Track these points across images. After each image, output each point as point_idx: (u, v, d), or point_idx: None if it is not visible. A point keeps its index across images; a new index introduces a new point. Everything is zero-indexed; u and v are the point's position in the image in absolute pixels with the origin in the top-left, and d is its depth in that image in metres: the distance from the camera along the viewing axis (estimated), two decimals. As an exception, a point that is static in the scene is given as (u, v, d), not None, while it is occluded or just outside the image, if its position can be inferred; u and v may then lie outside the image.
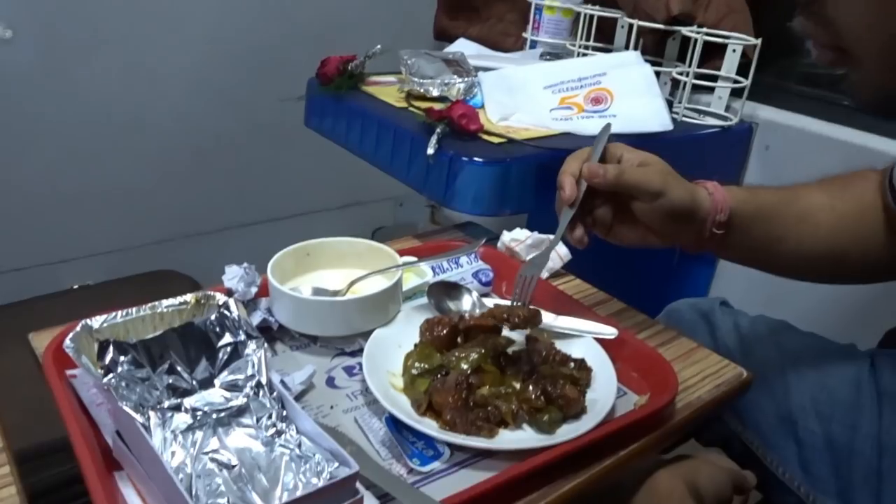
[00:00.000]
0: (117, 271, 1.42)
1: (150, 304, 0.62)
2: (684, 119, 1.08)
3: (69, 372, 0.60)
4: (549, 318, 0.68)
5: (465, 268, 0.78)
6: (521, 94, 1.00)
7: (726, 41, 1.05)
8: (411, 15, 1.55)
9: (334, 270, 0.74)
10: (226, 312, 0.57)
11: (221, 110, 1.48)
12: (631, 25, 1.12)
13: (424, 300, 0.71)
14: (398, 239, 0.87)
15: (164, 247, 1.55)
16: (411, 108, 0.96)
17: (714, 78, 1.09)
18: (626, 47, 1.16)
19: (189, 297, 0.64)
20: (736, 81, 1.07)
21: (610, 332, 0.66)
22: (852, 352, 0.76)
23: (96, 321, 0.60)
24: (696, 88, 1.08)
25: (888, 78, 0.43)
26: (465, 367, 0.60)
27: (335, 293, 0.69)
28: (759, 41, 1.03)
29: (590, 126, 0.94)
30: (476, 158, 0.83)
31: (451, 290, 0.72)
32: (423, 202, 1.86)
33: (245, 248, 0.83)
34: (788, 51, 1.19)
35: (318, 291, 0.69)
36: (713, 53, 1.08)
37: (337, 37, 1.46)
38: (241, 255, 0.72)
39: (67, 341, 0.57)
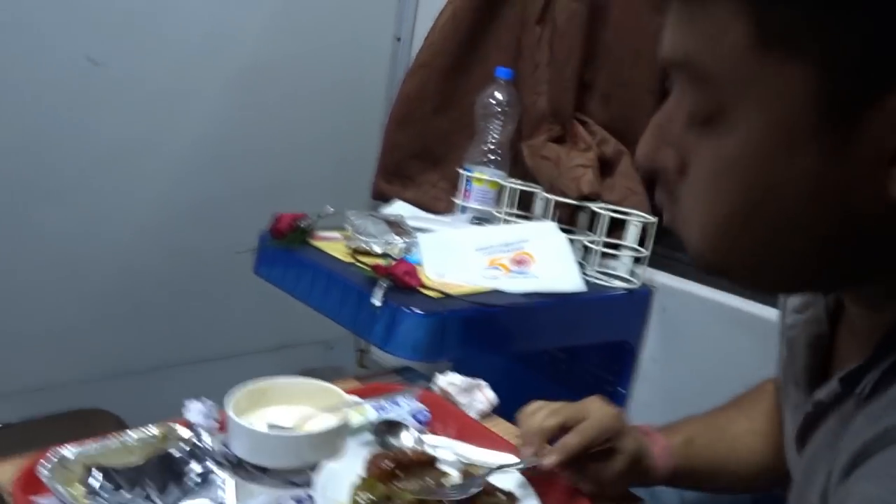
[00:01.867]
0: (42, 409, 1.40)
1: (118, 436, 0.68)
2: (595, 281, 1.23)
3: (37, 499, 0.64)
4: (479, 454, 0.77)
5: (405, 408, 0.86)
6: (456, 254, 1.13)
7: (628, 218, 1.23)
8: (351, 177, 1.71)
9: (286, 407, 0.81)
10: (197, 443, 0.63)
11: (164, 258, 1.55)
12: (548, 199, 1.29)
13: (369, 436, 0.79)
14: (340, 380, 0.95)
15: (90, 385, 1.55)
16: (358, 263, 1.07)
17: (619, 247, 1.26)
18: (545, 216, 1.33)
19: (155, 429, 0.70)
20: (637, 251, 1.24)
21: (531, 463, 0.75)
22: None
23: (69, 451, 0.65)
24: (604, 255, 1.25)
25: (724, 248, 0.45)
26: (407, 497, 0.67)
27: (290, 429, 0.76)
28: (655, 219, 1.22)
29: (515, 285, 1.08)
30: (416, 310, 0.93)
31: (393, 428, 0.80)
32: (352, 346, 1.94)
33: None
34: (679, 227, 1.39)
35: (273, 427, 0.76)
36: (618, 226, 1.26)
37: (282, 194, 1.59)
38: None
39: (42, 469, 0.62)
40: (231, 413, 0.73)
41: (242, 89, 1.55)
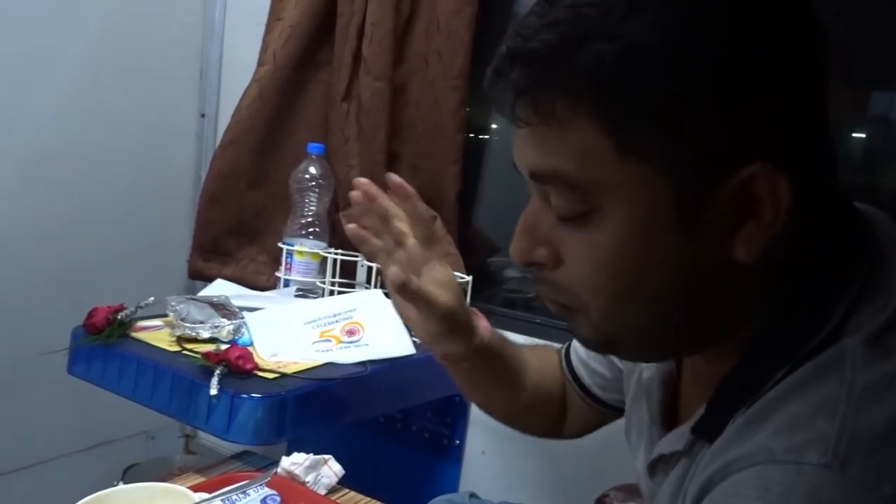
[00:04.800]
0: None
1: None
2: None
3: None
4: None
5: (253, 496, 0.86)
6: (286, 331, 1.14)
7: (446, 278, 1.32)
8: (164, 259, 1.65)
9: (129, 517, 0.77)
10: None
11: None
12: (370, 266, 1.35)
13: (221, 533, 0.78)
14: (183, 476, 0.93)
15: None
16: (186, 352, 1.05)
17: (440, 306, 1.34)
18: (368, 282, 1.38)
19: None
20: (457, 308, 1.33)
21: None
22: None
23: None
24: (427, 315, 1.32)
25: (609, 326, 0.51)
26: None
27: (134, 539, 0.73)
28: (470, 278, 1.32)
29: (348, 355, 1.11)
30: (254, 394, 0.94)
31: (244, 519, 0.80)
32: (176, 433, 1.84)
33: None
34: (492, 282, 1.51)
35: (115, 540, 0.73)
36: (437, 286, 1.34)
37: (91, 284, 1.50)
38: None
39: None
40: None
41: (37, 175, 1.45)
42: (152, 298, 1.10)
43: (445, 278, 0.73)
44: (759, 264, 0.47)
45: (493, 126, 1.51)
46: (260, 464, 1.00)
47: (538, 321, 1.35)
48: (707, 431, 0.51)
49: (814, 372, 0.45)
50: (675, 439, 0.56)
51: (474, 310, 0.79)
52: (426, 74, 1.40)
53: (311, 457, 0.95)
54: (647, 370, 0.65)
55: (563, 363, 0.86)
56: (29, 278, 1.46)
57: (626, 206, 0.47)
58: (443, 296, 0.70)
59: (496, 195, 1.51)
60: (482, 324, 0.77)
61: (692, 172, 0.46)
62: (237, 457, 1.04)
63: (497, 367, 0.80)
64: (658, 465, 0.59)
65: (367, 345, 1.14)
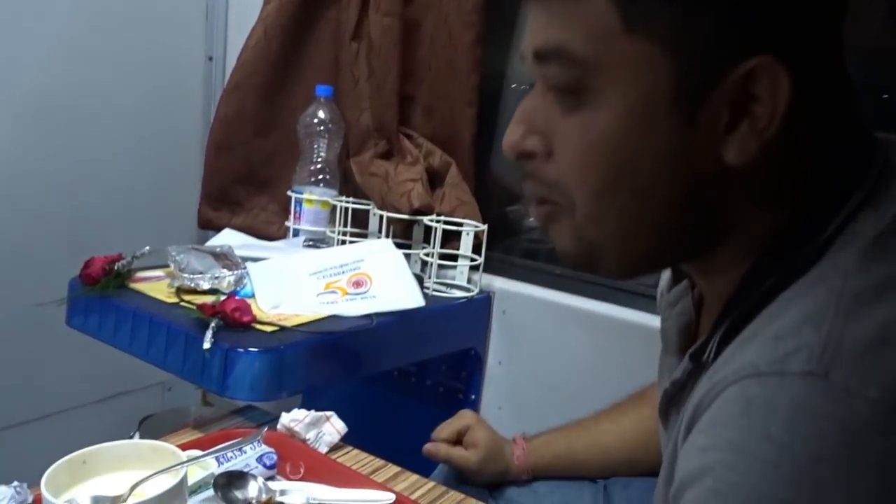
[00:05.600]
0: None
1: None
2: (434, 293, 1.24)
3: None
4: (330, 493, 0.74)
5: (249, 453, 0.82)
6: (290, 282, 1.09)
7: (460, 228, 1.25)
8: (173, 207, 1.61)
9: (115, 474, 0.73)
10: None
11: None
12: (381, 216, 1.29)
13: (211, 492, 0.74)
14: (178, 432, 0.89)
15: None
16: (183, 304, 1.00)
17: (455, 257, 1.28)
18: (380, 232, 1.32)
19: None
20: (473, 259, 1.26)
21: (386, 497, 0.74)
22: (590, 483, 0.92)
23: None
24: (441, 266, 1.26)
25: (592, 228, 0.50)
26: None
27: (116, 498, 0.69)
28: (485, 226, 1.25)
29: (354, 308, 1.06)
30: (251, 349, 0.89)
31: (235, 479, 0.75)
32: (192, 384, 1.83)
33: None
34: (510, 232, 1.44)
35: (97, 500, 0.69)
36: (452, 236, 1.28)
37: (97, 234, 1.46)
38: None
39: None
40: (46, 493, 0.65)
41: (40, 121, 1.41)
42: (147, 248, 1.06)
43: (474, 440, 0.93)
44: (754, 173, 0.46)
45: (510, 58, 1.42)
46: (262, 419, 0.96)
47: (558, 272, 1.28)
48: (703, 355, 0.49)
49: (807, 284, 0.44)
50: (678, 371, 0.54)
51: (517, 438, 0.94)
52: (440, 10, 1.31)
53: (313, 413, 0.91)
54: (665, 322, 0.61)
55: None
56: (33, 228, 1.43)
57: (625, 87, 0.46)
58: (472, 457, 0.92)
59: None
60: (517, 453, 0.92)
61: (696, 58, 0.45)
62: (239, 412, 1.00)
63: (564, 467, 0.92)
64: (670, 410, 0.56)
65: (374, 297, 1.09)
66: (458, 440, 0.95)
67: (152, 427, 1.47)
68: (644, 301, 1.16)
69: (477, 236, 1.27)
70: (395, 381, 1.41)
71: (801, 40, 0.46)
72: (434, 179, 1.35)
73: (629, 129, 0.47)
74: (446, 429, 0.96)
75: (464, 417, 0.95)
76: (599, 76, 0.46)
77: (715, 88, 0.45)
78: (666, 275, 0.64)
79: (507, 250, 1.41)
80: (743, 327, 0.46)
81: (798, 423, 0.38)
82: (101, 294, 1.04)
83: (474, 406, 1.33)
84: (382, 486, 0.78)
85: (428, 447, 0.94)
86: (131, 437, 1.22)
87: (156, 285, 1.09)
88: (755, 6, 0.44)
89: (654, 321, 1.14)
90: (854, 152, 0.48)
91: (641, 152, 0.47)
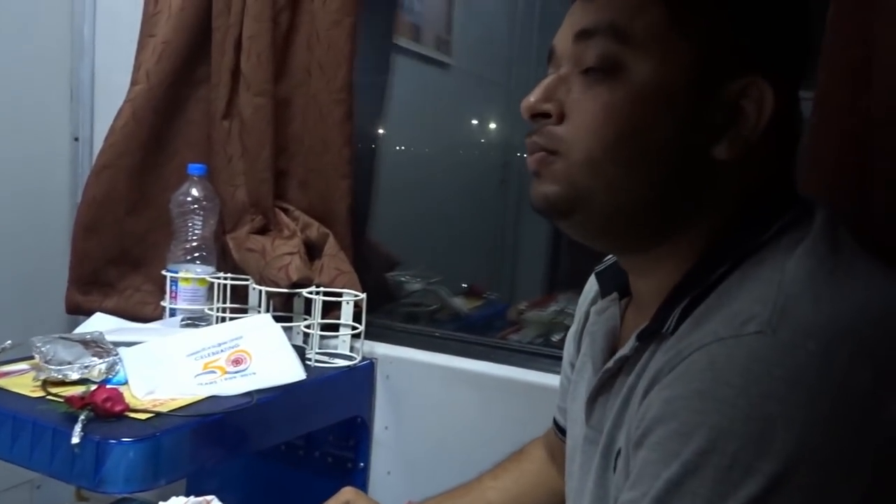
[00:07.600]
0: None
1: None
2: (317, 364, 1.24)
3: None
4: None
5: (124, 550, 0.79)
6: (166, 366, 1.07)
7: (340, 298, 1.28)
8: (39, 294, 1.53)
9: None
10: None
11: None
12: (261, 290, 1.29)
13: None
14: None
15: None
16: (49, 397, 0.96)
17: (337, 327, 1.30)
18: (259, 306, 1.32)
19: None
20: (354, 327, 1.29)
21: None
22: None
23: None
24: (323, 336, 1.28)
25: (584, 174, 0.56)
26: None
27: None
28: (364, 295, 1.28)
29: (234, 386, 1.05)
30: (124, 439, 0.87)
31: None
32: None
33: None
34: (390, 298, 1.47)
35: None
36: (333, 306, 1.30)
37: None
38: None
39: None
40: None
41: None
42: (9, 342, 1.01)
43: None
44: (729, 172, 0.56)
45: (381, 132, 1.48)
46: (140, 511, 0.93)
47: (438, 335, 1.32)
48: (657, 331, 0.56)
49: (753, 273, 0.52)
50: (625, 349, 0.60)
51: None
52: (309, 88, 1.35)
53: (192, 499, 0.89)
54: (593, 325, 0.68)
55: (554, 429, 0.90)
56: None
57: (651, 71, 0.55)
58: None
59: (391, 208, 1.48)
60: None
61: (712, 64, 0.55)
62: (121, 502, 0.96)
63: None
64: (598, 398, 0.63)
65: (254, 373, 1.09)
66: None
67: (21, 531, 1.37)
68: (523, 358, 1.23)
69: (357, 305, 1.29)
70: (283, 454, 1.39)
71: (786, 68, 0.57)
72: (313, 251, 1.37)
73: (645, 104, 0.55)
74: None
75: (344, 494, 0.95)
76: (633, 56, 0.55)
77: (718, 91, 0.55)
78: (590, 293, 0.75)
79: (389, 315, 1.44)
80: (697, 305, 0.54)
81: (752, 370, 0.46)
82: (-42, 394, 0.98)
83: (364, 473, 1.33)
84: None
85: None
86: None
87: (19, 379, 1.04)
88: (767, 33, 0.56)
89: (533, 377, 1.21)
90: (791, 177, 0.60)
91: (645, 128, 0.55)
